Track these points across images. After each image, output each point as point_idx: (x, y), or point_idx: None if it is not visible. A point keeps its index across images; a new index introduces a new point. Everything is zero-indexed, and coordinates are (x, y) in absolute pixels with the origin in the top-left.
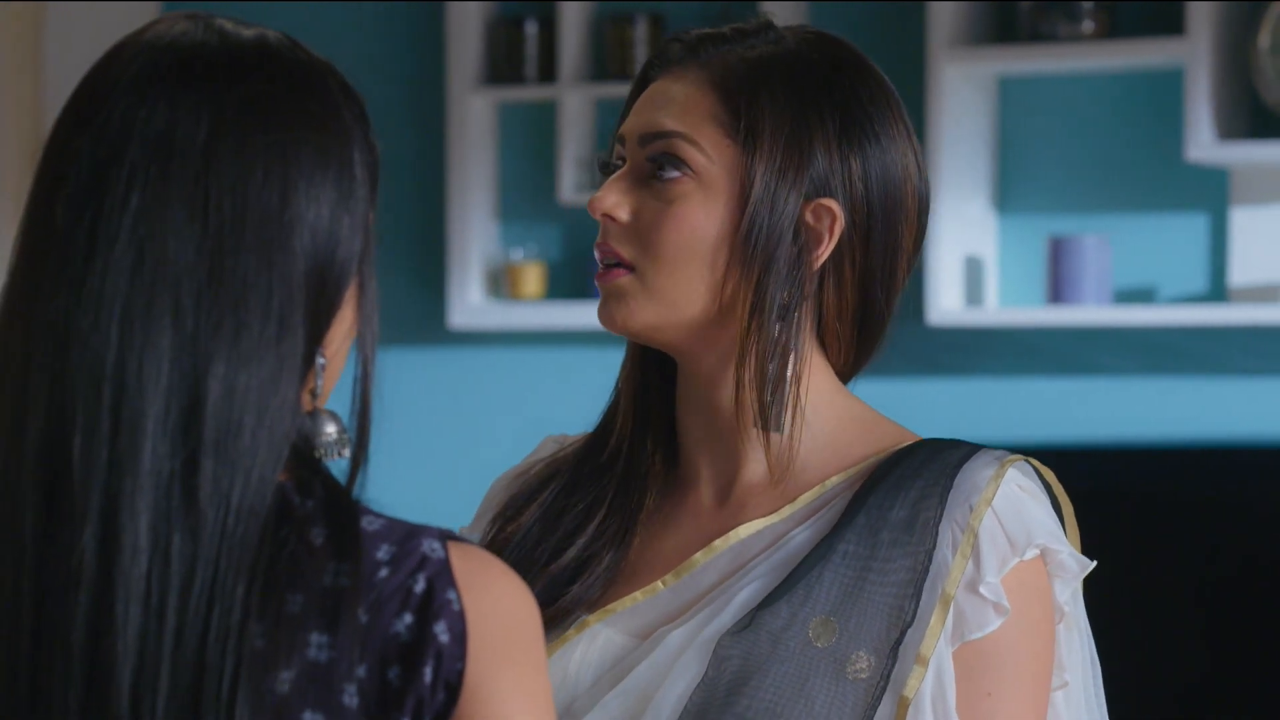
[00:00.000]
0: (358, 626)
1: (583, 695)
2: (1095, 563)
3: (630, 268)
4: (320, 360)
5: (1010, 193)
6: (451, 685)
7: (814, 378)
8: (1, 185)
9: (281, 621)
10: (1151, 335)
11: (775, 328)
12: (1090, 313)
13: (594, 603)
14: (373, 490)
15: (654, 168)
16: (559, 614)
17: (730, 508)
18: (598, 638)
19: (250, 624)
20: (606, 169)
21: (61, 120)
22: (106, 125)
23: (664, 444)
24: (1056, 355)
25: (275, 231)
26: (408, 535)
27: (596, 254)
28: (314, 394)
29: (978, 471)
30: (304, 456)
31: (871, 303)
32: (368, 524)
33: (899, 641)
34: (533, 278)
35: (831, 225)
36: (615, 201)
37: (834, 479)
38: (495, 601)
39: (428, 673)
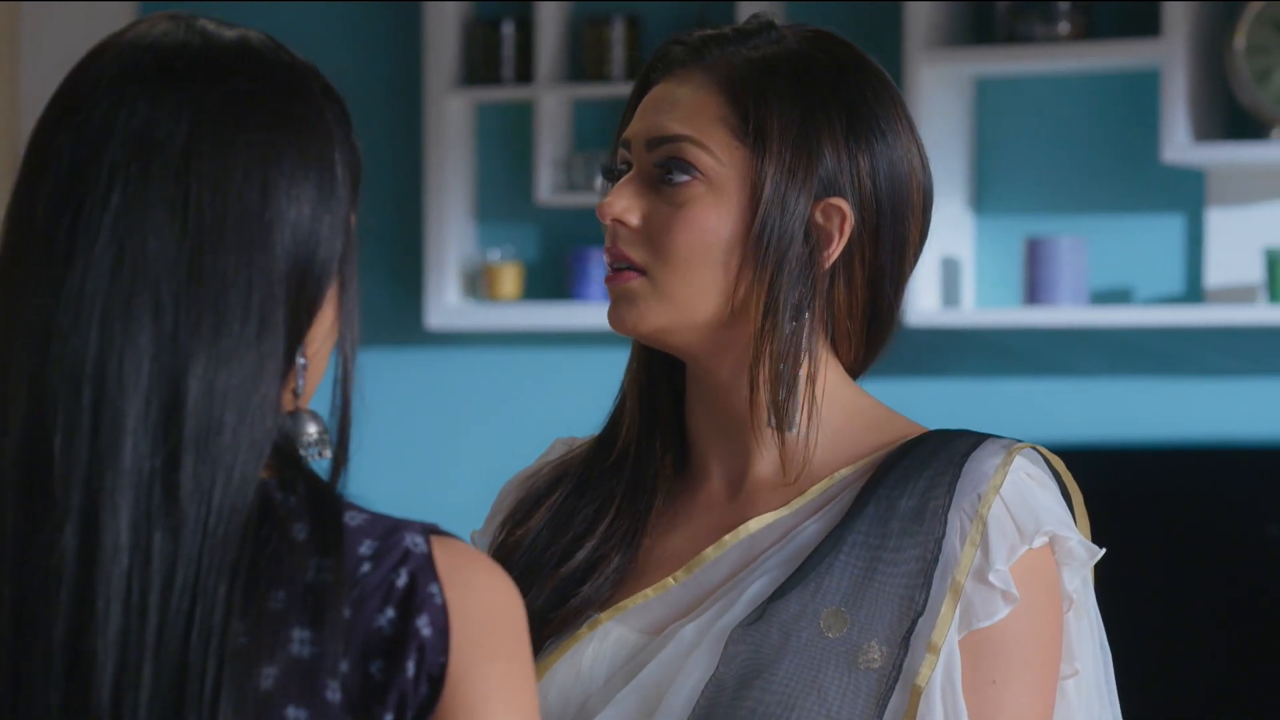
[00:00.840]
0: (341, 622)
1: (596, 693)
2: (1104, 549)
3: (641, 271)
4: (301, 360)
5: (987, 194)
6: (434, 679)
7: (825, 375)
8: None
9: (264, 618)
10: (1128, 336)
11: (789, 328)
12: (1067, 314)
13: (605, 601)
14: (351, 491)
15: (662, 172)
16: (569, 615)
17: (740, 502)
18: (610, 635)
19: (233, 622)
20: (611, 174)
21: (43, 120)
22: (87, 124)
23: (673, 443)
24: (1033, 356)
25: (256, 230)
26: (390, 530)
27: (606, 258)
28: (296, 394)
29: (986, 460)
30: (287, 455)
31: (881, 299)
32: (350, 519)
33: (910, 631)
34: (510, 278)
35: (841, 224)
36: (625, 206)
37: (843, 471)
38: (478, 595)
39: (410, 667)
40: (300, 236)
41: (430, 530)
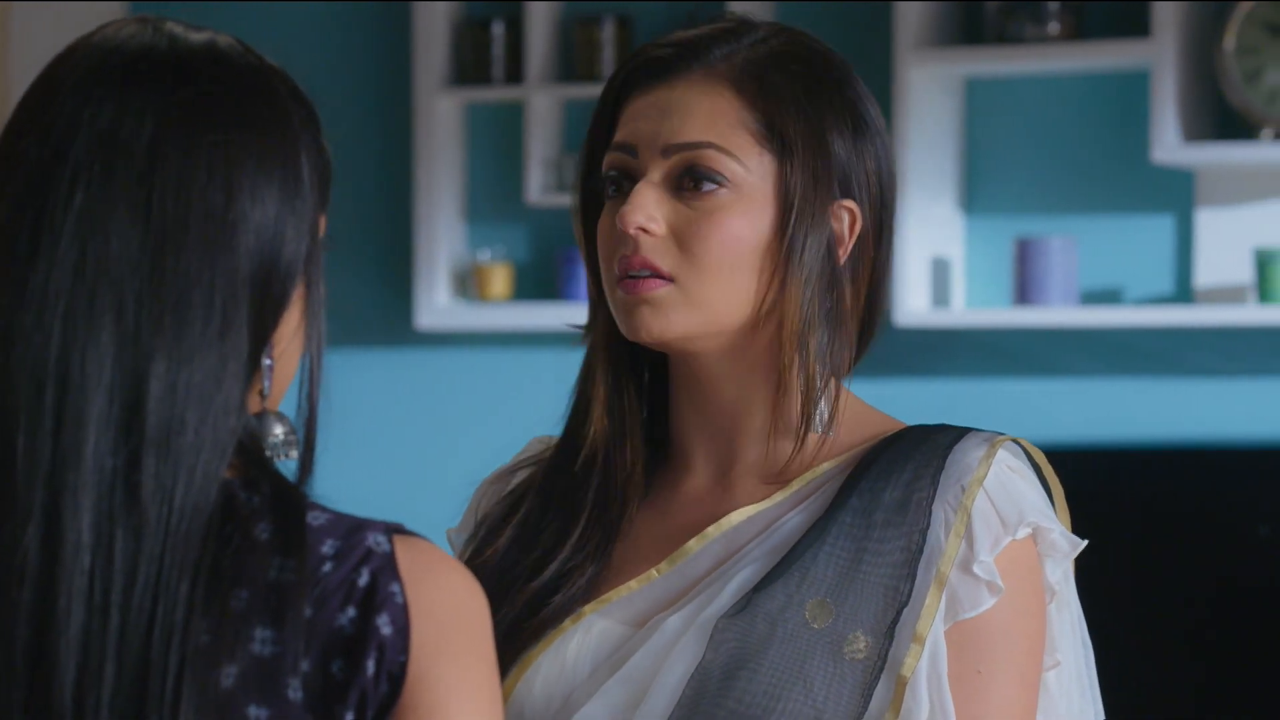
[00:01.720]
0: (302, 621)
1: (581, 685)
2: (1086, 541)
3: (668, 279)
4: (267, 361)
5: (977, 194)
6: (394, 677)
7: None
8: None
9: (226, 617)
10: (1117, 336)
11: (823, 334)
12: (1056, 314)
13: (587, 593)
14: (339, 492)
15: (685, 179)
16: (542, 623)
17: (723, 496)
18: (594, 628)
19: (194, 621)
20: (618, 184)
21: (10, 121)
22: (52, 125)
23: (644, 448)
24: (1023, 356)
25: (219, 231)
26: (353, 529)
27: (625, 267)
28: (262, 396)
29: (969, 452)
30: (252, 455)
31: (879, 297)
32: (313, 519)
33: (895, 621)
34: (500, 279)
35: (852, 225)
36: (648, 215)
37: (825, 465)
38: (440, 594)
39: (370, 665)
40: (264, 237)
41: (394, 530)
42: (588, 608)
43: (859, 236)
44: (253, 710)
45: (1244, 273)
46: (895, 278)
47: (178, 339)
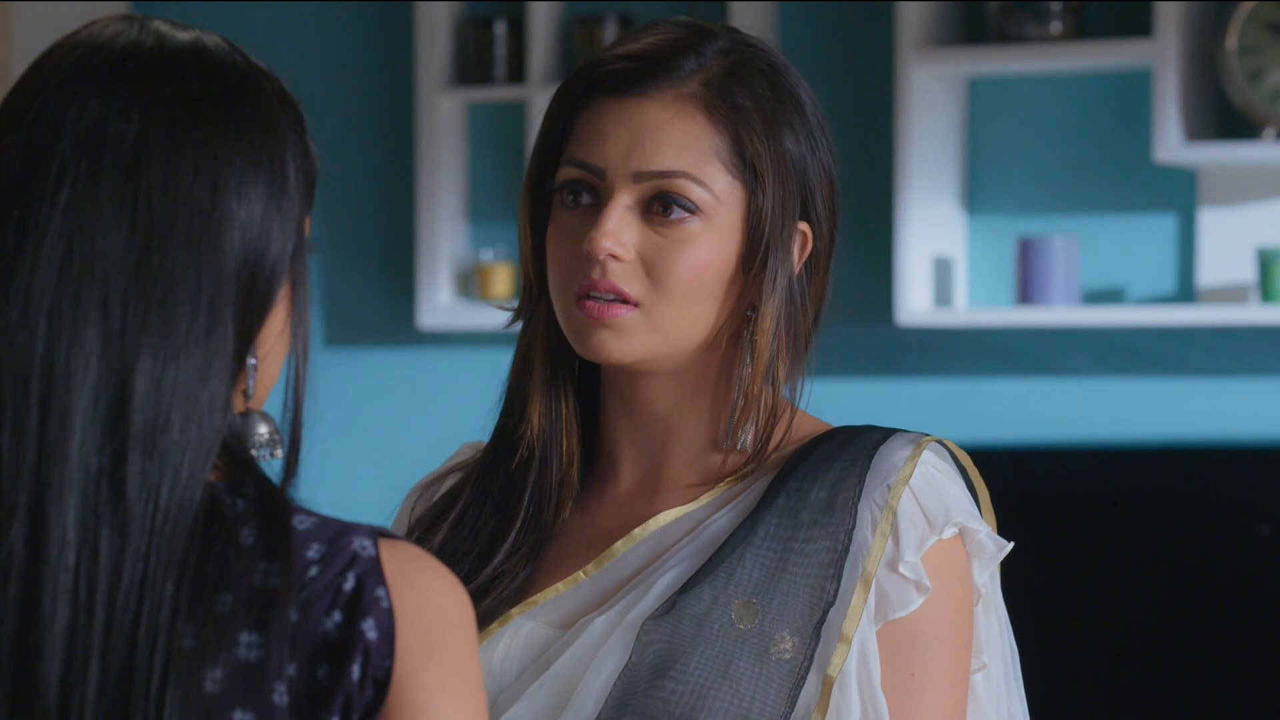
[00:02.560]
0: (287, 625)
1: (508, 688)
2: (1012, 544)
3: (635, 304)
4: (252, 361)
5: (979, 194)
6: (380, 682)
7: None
8: None
9: (210, 621)
10: (1120, 336)
11: (789, 359)
12: (1059, 313)
13: (515, 596)
14: (340, 491)
15: (655, 203)
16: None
17: (649, 497)
18: (520, 630)
19: (180, 621)
20: (575, 195)
21: None
22: (37, 122)
23: (578, 449)
24: (1025, 356)
25: (204, 229)
26: (339, 533)
27: (588, 288)
28: (246, 395)
29: (895, 452)
30: (237, 457)
31: (821, 314)
32: (299, 523)
33: (821, 621)
34: (502, 278)
35: (803, 246)
36: (618, 241)
37: (750, 466)
38: (425, 598)
39: (355, 670)
40: (250, 236)
41: (379, 534)
42: (515, 610)
43: (810, 256)
44: (238, 714)
45: (1246, 272)
46: (897, 277)
47: (163, 336)
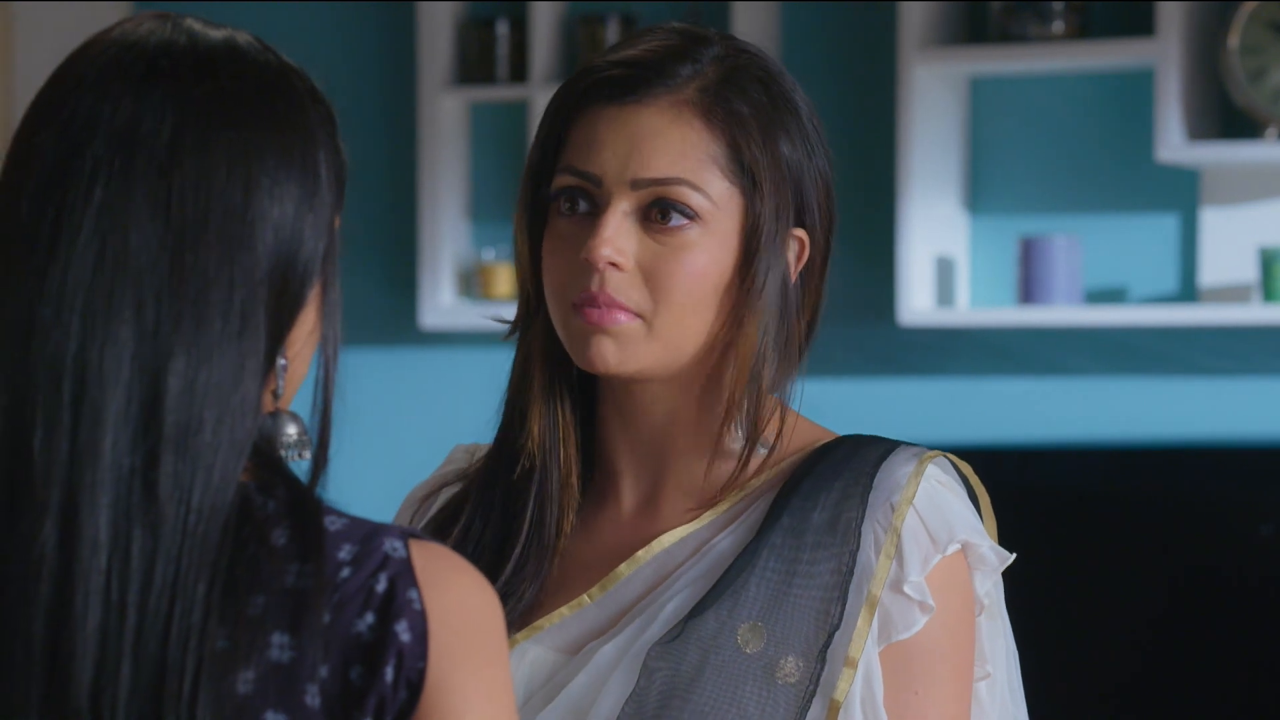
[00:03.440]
0: (320, 627)
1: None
2: (1014, 555)
3: (635, 314)
4: (282, 361)
5: (981, 193)
6: (413, 684)
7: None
8: None
9: (242, 623)
10: (1122, 336)
11: (774, 363)
12: (1061, 313)
13: (520, 619)
14: (343, 491)
15: (653, 210)
16: None
17: (652, 515)
18: (526, 655)
19: (211, 623)
20: (572, 203)
21: (27, 116)
22: (71, 120)
23: (579, 458)
24: (1027, 356)
25: (238, 229)
26: (370, 535)
27: (586, 299)
28: (276, 395)
29: (897, 469)
30: (267, 457)
31: (818, 317)
32: (330, 524)
33: (827, 645)
34: (504, 278)
35: (800, 253)
36: (617, 249)
37: (754, 482)
38: (457, 600)
39: (389, 672)
40: (283, 236)
41: (409, 535)
42: (520, 635)
43: (806, 262)
44: (270, 715)
45: (1248, 272)
46: (899, 277)
47: (196, 337)
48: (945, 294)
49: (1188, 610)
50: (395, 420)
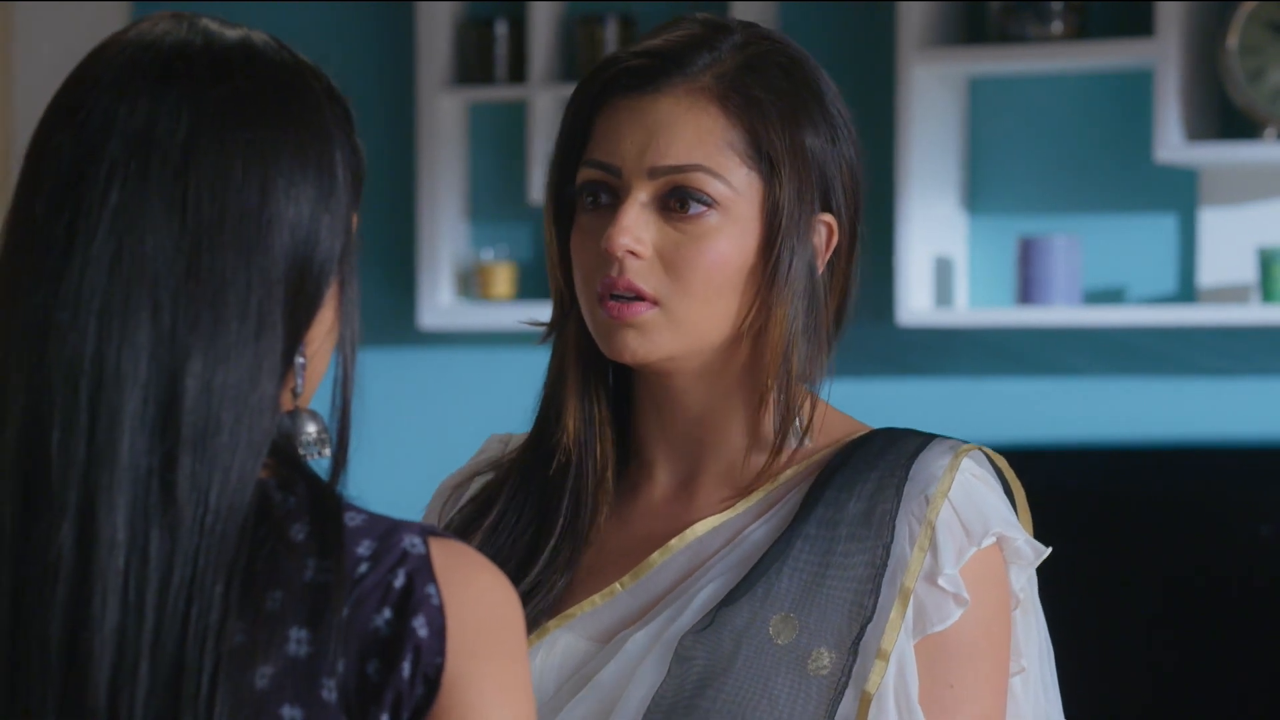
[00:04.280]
0: (339, 622)
1: (546, 702)
2: (1050, 549)
3: (654, 302)
4: (300, 360)
5: (980, 193)
6: (430, 680)
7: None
8: None
9: (260, 618)
10: (1121, 336)
11: (804, 349)
12: (1060, 313)
13: (551, 607)
14: (343, 491)
15: (672, 199)
16: None
17: (685, 505)
18: (557, 644)
19: (229, 621)
20: (595, 196)
21: (44, 118)
22: (87, 122)
23: (614, 450)
24: (1026, 356)
25: (254, 229)
26: (389, 531)
27: (608, 288)
28: (295, 393)
29: (933, 462)
30: (286, 454)
31: (848, 305)
32: (349, 519)
33: (859, 637)
34: (503, 278)
35: (829, 238)
36: (635, 238)
37: (787, 472)
38: (475, 596)
39: (406, 667)
40: (299, 236)
41: (429, 531)
42: (552, 623)
43: (835, 248)
44: (287, 710)
45: (1247, 272)
46: (898, 277)
47: (213, 338)
48: (944, 294)
49: (1187, 610)
50: (393, 420)
